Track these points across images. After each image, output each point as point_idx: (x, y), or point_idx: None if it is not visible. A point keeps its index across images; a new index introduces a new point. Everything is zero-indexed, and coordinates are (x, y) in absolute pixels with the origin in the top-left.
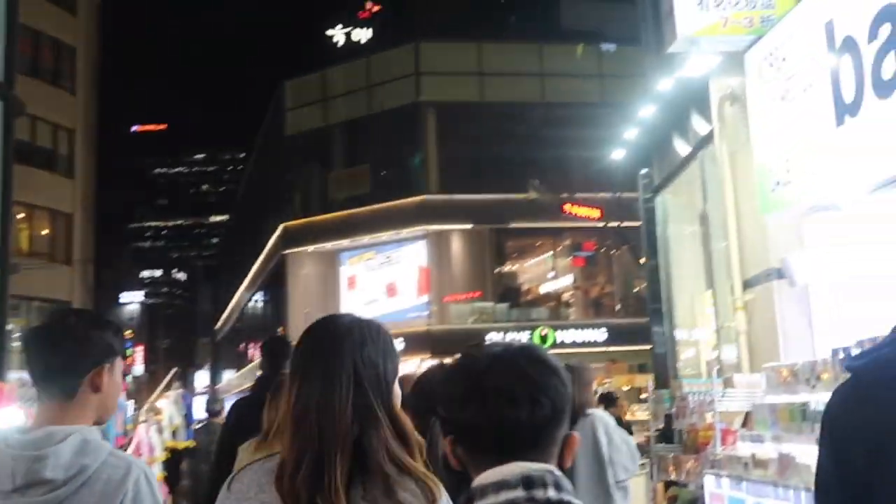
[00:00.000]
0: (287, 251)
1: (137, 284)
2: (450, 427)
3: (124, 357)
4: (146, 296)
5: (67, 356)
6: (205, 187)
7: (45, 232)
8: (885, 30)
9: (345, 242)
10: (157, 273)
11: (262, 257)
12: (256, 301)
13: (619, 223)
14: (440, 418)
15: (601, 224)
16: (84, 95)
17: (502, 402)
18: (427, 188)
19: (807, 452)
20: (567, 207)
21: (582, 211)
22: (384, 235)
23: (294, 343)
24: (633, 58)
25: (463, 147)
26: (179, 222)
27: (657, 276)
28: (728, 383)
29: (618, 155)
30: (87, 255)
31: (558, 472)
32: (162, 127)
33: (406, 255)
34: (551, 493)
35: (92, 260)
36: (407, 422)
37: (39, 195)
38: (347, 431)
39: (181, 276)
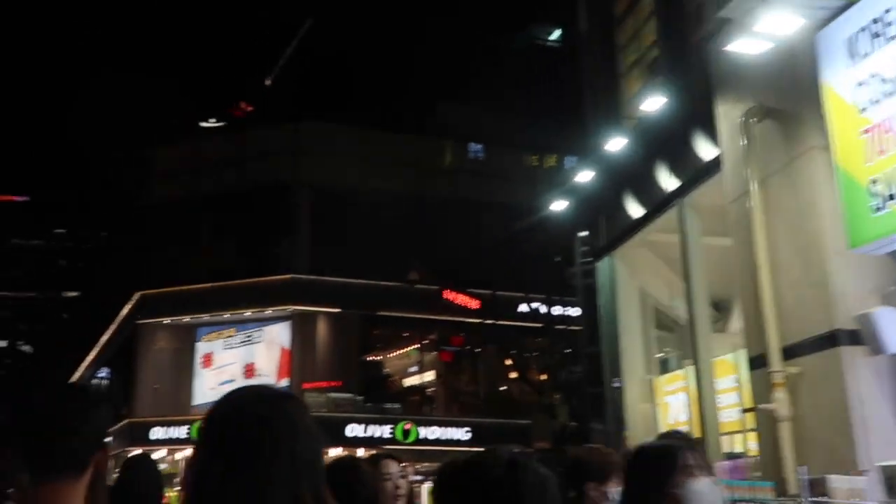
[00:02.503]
0: (141, 321)
1: None
2: None
3: None
4: None
5: (92, 430)
6: (62, 262)
7: None
8: None
9: (204, 317)
10: (2, 344)
11: (113, 327)
12: (102, 375)
13: (494, 321)
14: None
15: (477, 319)
16: None
17: None
18: (296, 267)
19: None
20: (448, 294)
21: (462, 299)
22: (247, 312)
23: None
24: (506, 159)
25: (337, 229)
26: (32, 295)
27: (598, 357)
28: (818, 488)
29: (558, 206)
30: None
31: None
32: (24, 198)
33: (268, 336)
34: None
35: None
36: None
37: None
38: None
39: (27, 348)
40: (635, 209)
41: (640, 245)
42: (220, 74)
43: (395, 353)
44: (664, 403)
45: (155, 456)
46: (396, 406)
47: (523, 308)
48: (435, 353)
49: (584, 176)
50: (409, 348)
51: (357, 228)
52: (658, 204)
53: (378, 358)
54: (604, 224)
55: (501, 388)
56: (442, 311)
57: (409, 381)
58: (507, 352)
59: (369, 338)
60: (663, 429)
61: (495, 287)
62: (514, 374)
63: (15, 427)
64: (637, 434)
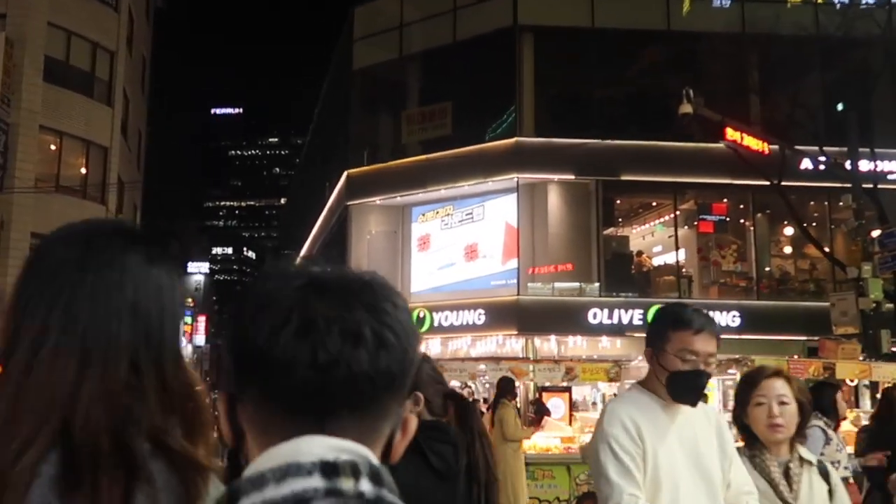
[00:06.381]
0: (351, 202)
1: (208, 259)
2: (239, 370)
3: None
4: (217, 272)
5: None
6: (276, 170)
7: (76, 164)
8: None
9: (418, 195)
10: (229, 251)
11: (323, 213)
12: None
13: (777, 180)
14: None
15: (747, 181)
16: (131, 15)
17: (336, 332)
18: (521, 129)
19: None
20: (730, 133)
21: (750, 142)
22: (466, 186)
23: None
24: None
25: (566, 81)
26: (251, 203)
27: None
28: None
29: None
30: (131, 197)
31: (376, 461)
32: (238, 110)
33: (491, 211)
34: (365, 485)
35: (139, 207)
36: None
37: (72, 122)
38: None
39: (251, 254)
40: None
41: None
42: None
43: (641, 226)
44: None
45: None
46: (631, 295)
47: (807, 164)
48: (692, 223)
49: None
50: (658, 220)
51: (591, 78)
52: None
53: (621, 232)
54: None
55: (777, 265)
56: (702, 171)
57: (658, 260)
58: (789, 219)
59: (610, 208)
60: None
61: (777, 137)
62: (789, 249)
63: None
64: None
